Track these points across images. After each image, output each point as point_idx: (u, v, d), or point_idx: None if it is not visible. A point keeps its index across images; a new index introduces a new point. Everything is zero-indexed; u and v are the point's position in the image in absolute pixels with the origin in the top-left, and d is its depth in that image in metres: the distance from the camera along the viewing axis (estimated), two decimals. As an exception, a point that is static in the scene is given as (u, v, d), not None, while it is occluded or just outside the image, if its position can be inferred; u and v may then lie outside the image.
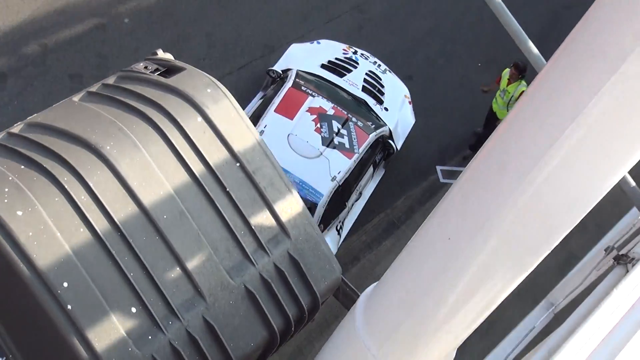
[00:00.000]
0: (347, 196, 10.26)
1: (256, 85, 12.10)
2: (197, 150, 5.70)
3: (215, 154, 5.75)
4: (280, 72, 11.16)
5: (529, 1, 15.00)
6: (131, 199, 5.33)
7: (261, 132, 9.87)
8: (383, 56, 12.45)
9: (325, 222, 9.86)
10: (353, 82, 11.19)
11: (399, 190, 11.92)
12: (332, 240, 10.05)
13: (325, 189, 9.71)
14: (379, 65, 11.82)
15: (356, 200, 10.69)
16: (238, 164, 5.85)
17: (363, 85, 11.29)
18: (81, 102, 5.81)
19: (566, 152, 3.47)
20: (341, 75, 11.24)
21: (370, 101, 11.16)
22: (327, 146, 10.03)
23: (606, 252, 6.31)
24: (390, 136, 11.10)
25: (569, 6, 15.07)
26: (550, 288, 8.84)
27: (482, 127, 12.46)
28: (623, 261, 6.01)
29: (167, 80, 5.96)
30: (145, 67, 6.26)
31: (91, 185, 5.23)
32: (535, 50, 6.35)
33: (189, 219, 5.48)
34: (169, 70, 6.21)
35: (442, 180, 12.22)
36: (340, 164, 9.97)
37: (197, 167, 5.68)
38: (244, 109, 10.80)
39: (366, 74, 11.47)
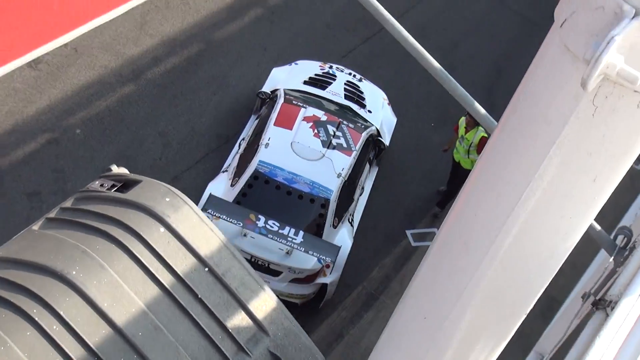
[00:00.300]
0: (352, 190, 11.38)
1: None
2: (164, 261, 5.68)
3: (183, 262, 5.72)
4: (269, 93, 12.32)
5: (470, 57, 15.32)
6: (104, 321, 5.26)
7: (267, 145, 10.90)
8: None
9: (339, 215, 10.87)
10: (335, 93, 12.48)
11: (372, 261, 11.93)
12: (347, 231, 11.12)
13: (333, 185, 10.75)
14: (354, 75, 13.07)
15: (360, 195, 11.78)
16: (207, 269, 5.82)
17: (345, 94, 12.54)
18: (41, 230, 5.79)
19: (525, 219, 3.51)
20: (323, 88, 12.50)
21: (354, 106, 12.40)
22: (327, 148, 11.11)
23: (583, 299, 6.32)
24: (378, 134, 12.31)
25: (509, 57, 15.42)
26: (536, 335, 8.82)
27: (446, 183, 12.59)
28: (601, 306, 6.02)
29: (125, 195, 5.96)
30: (101, 185, 6.25)
31: (62, 313, 5.17)
32: (482, 111, 6.43)
33: (164, 332, 5.42)
34: (126, 184, 6.21)
35: (413, 244, 12.26)
36: (342, 162, 11.04)
37: (166, 278, 5.64)
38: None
39: (345, 84, 12.73)
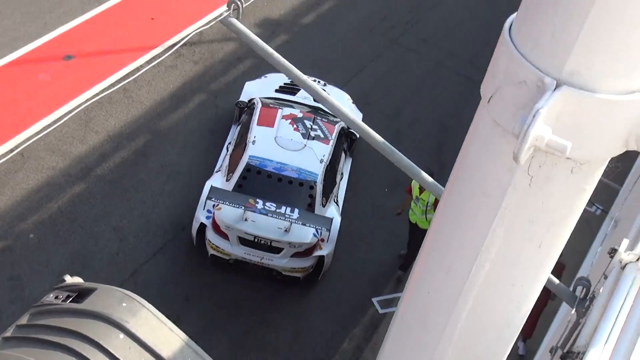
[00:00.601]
0: (334, 174, 12.69)
1: (177, 266, 12.05)
2: (127, 368, 5.59)
3: (146, 367, 5.64)
4: (247, 102, 13.65)
5: (416, 119, 15.54)
6: None
7: (253, 142, 12.24)
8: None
9: (326, 195, 12.18)
10: (305, 97, 13.81)
11: (342, 333, 11.84)
12: (335, 209, 12.40)
13: (318, 169, 12.13)
14: (319, 81, 14.40)
15: (341, 179, 13.07)
16: (171, 370, 5.74)
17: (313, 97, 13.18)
18: (-2, 350, 5.66)
19: (477, 291, 3.54)
20: (293, 94, 13.91)
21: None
22: (307, 139, 12.53)
23: (551, 353, 6.33)
24: (349, 128, 13.08)
25: (453, 115, 15.66)
26: (513, 392, 8.81)
27: (407, 246, 12.62)
28: (570, 358, 6.04)
29: (81, 305, 5.87)
30: (56, 297, 6.15)
31: None
32: (429, 179, 6.52)
33: None
34: (81, 293, 6.13)
35: (381, 311, 12.22)
36: (322, 150, 12.46)
37: (131, 385, 5.54)
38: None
39: None
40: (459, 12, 18.70)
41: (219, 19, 6.22)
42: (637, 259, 5.22)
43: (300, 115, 12.97)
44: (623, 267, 5.24)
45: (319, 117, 13.08)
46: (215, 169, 12.72)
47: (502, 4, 18.95)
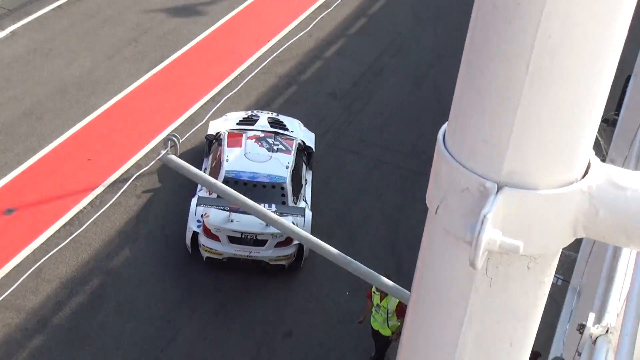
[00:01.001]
0: (299, 178, 15.04)
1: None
2: None
3: None
4: (214, 135, 15.88)
5: (365, 219, 15.65)
6: None
7: (227, 160, 14.64)
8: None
9: (296, 195, 14.44)
10: (263, 125, 16.24)
11: None
12: (305, 205, 14.67)
13: (285, 174, 14.55)
14: (272, 113, 17.01)
15: (305, 184, 15.37)
16: None
17: (270, 124, 16.26)
18: None
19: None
20: (252, 124, 16.17)
21: (280, 131, 16.02)
22: (272, 152, 14.98)
23: None
24: (305, 144, 15.97)
25: (401, 209, 15.82)
26: None
27: (374, 351, 12.52)
28: None
29: None
30: None
31: None
32: (390, 282, 6.50)
33: None
34: None
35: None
36: (286, 158, 14.92)
37: None
38: None
39: (268, 119, 16.56)
40: (389, 108, 19.09)
41: (157, 158, 6.25)
42: (607, 331, 5.25)
43: (262, 135, 15.52)
44: (594, 342, 5.27)
45: (278, 135, 15.61)
46: (198, 189, 14.69)
47: (428, 90, 19.45)
